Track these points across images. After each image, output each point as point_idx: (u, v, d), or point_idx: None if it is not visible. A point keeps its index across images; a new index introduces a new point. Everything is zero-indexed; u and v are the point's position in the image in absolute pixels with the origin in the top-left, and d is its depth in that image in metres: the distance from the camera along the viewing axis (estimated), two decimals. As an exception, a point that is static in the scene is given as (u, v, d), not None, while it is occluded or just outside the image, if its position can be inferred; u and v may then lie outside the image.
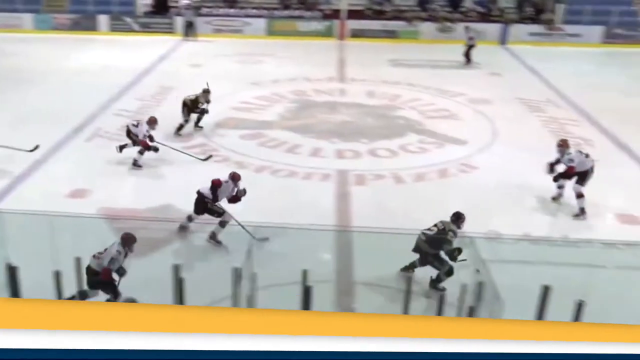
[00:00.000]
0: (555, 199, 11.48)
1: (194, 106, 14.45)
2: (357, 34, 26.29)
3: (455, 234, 8.37)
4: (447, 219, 8.52)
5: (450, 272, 8.28)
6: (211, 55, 23.24)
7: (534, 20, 26.80)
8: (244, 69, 21.38)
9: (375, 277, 8.68)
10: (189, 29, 25.80)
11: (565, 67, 22.21)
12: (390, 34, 26.41)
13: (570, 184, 11.11)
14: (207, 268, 9.05)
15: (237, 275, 7.30)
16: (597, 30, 26.00)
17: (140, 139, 12.48)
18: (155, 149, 12.57)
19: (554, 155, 11.29)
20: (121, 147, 12.77)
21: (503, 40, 25.83)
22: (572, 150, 11.32)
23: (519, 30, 26.09)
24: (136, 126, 12.63)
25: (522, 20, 26.72)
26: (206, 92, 14.63)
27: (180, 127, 14.40)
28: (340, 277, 8.76)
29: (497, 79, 20.67)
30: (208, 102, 14.56)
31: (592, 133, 15.23)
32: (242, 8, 27.62)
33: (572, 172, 11.02)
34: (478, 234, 9.18)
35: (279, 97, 17.69)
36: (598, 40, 25.90)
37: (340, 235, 9.78)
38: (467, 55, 22.39)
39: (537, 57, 23.14)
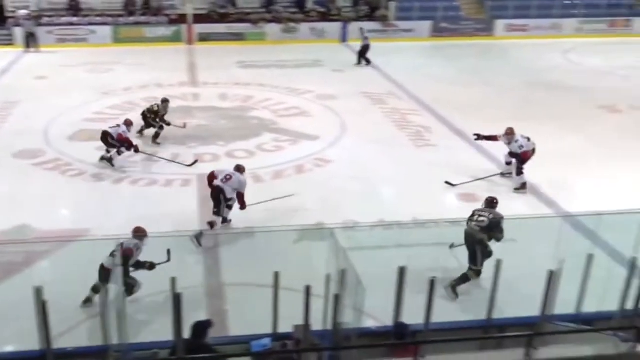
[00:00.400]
0: (504, 174, 12.57)
1: (153, 118, 14.11)
2: (204, 38, 25.99)
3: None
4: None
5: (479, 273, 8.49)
6: (57, 66, 22.07)
7: (369, 17, 27.70)
8: (93, 78, 20.48)
9: (245, 277, 8.68)
10: (30, 40, 24.25)
11: (401, 61, 23.18)
12: (237, 37, 26.34)
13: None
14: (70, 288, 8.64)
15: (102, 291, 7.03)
16: (426, 25, 27.32)
17: (124, 138, 12.66)
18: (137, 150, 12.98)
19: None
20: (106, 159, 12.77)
21: (344, 38, 26.52)
22: (518, 136, 12.03)
23: (357, 27, 26.81)
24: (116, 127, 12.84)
25: (359, 18, 27.52)
26: (165, 102, 14.41)
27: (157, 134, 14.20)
28: (210, 280, 8.70)
29: (341, 75, 21.20)
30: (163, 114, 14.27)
31: (430, 121, 16.07)
32: (85, 16, 26.32)
33: (527, 156, 11.94)
34: (337, 225, 9.42)
35: (132, 105, 17.15)
36: (427, 35, 27.22)
37: (207, 238, 9.68)
38: (363, 55, 22.59)
39: (375, 53, 23.88)
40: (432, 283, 6.99)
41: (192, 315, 6.15)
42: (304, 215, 10.57)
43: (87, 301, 8.07)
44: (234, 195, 10.06)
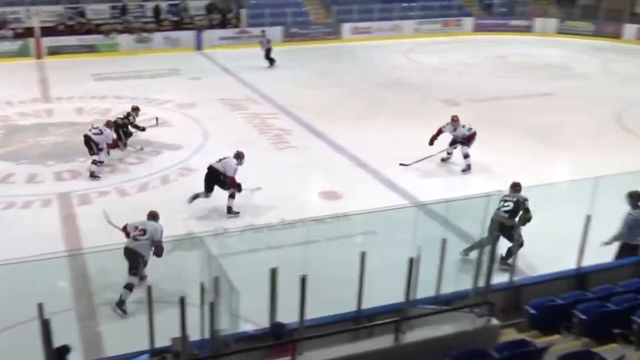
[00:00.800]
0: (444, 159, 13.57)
1: (125, 124, 13.84)
2: (55, 51, 24.53)
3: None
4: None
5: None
6: None
7: (222, 25, 27.50)
8: None
9: (118, 295, 8.34)
10: None
11: (256, 66, 23.13)
12: (90, 49, 25.11)
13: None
14: None
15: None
16: (277, 31, 27.48)
17: (109, 143, 12.77)
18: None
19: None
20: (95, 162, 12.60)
21: (198, 46, 26.13)
22: (463, 123, 13.08)
23: (211, 35, 26.59)
24: (100, 134, 12.61)
25: (212, 26, 27.25)
26: (136, 109, 14.28)
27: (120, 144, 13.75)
28: (81, 302, 8.29)
29: (198, 83, 20.87)
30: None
31: (289, 124, 16.22)
32: None
33: (474, 137, 13.02)
34: (207, 233, 9.30)
35: (-19, 125, 15.98)
36: (279, 40, 27.39)
37: (73, 259, 9.21)
38: (269, 56, 22.76)
39: (230, 59, 23.82)
40: (303, 281, 7.08)
41: (64, 341, 5.82)
42: (173, 225, 10.31)
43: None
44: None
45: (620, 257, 8.59)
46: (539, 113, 17.46)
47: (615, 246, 8.71)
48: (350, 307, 7.13)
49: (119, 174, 12.87)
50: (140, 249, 8.46)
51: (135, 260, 8.39)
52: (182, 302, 7.53)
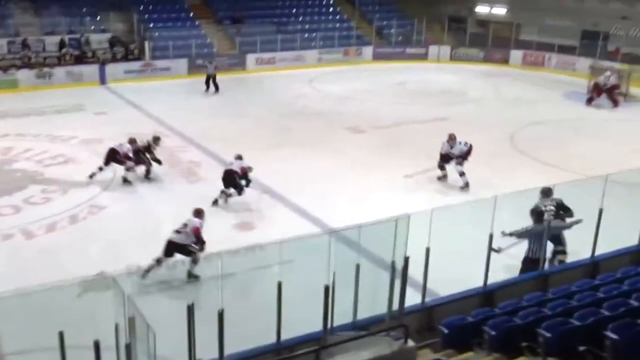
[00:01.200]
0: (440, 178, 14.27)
1: (144, 154, 14.14)
2: (-51, 90, 23.22)
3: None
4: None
5: None
6: None
7: (126, 58, 26.92)
8: None
9: (27, 343, 7.87)
10: None
11: (162, 99, 22.76)
12: (-13, 86, 23.92)
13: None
14: None
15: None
16: (183, 63, 27.23)
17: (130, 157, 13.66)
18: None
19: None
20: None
21: (102, 80, 25.38)
22: (459, 140, 13.89)
23: (114, 69, 25.93)
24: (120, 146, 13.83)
25: (116, 59, 26.61)
26: (157, 139, 14.56)
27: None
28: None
29: (104, 117, 20.22)
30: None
31: (199, 156, 16.00)
32: None
33: (471, 151, 13.81)
34: (119, 271, 8.95)
35: None
36: (185, 72, 27.14)
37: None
38: (214, 84, 23.78)
39: (136, 92, 23.29)
40: (221, 315, 6.95)
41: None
42: (85, 266, 9.89)
43: (148, 271, 9.39)
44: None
45: (523, 272, 8.96)
46: (438, 137, 18.02)
47: (519, 263, 9.09)
48: (270, 338, 7.05)
49: (24, 214, 12.24)
50: (181, 240, 9.82)
51: (183, 250, 9.77)
52: (97, 346, 7.22)
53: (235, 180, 12.71)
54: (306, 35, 30.70)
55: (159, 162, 14.41)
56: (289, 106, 21.86)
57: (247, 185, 12.98)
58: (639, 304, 6.80)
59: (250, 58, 28.71)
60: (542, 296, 7.51)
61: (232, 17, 30.46)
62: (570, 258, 9.44)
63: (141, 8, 29.17)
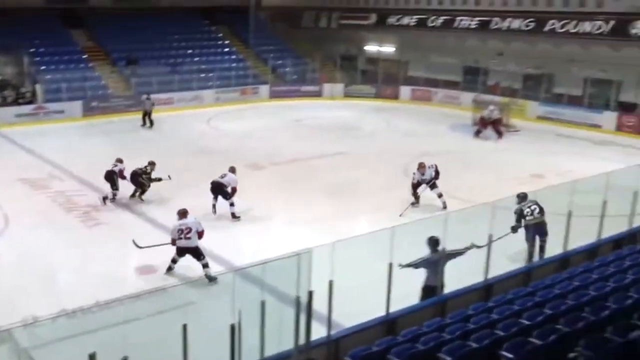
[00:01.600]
0: (414, 204, 15.04)
1: (144, 178, 15.18)
2: None
3: None
4: None
5: None
6: None
7: (17, 102, 25.71)
8: None
9: None
10: None
11: (57, 142, 21.91)
12: None
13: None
14: None
15: None
16: (77, 105, 26.36)
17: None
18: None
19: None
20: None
21: (-9, 124, 24.10)
22: (428, 166, 14.86)
23: (5, 112, 24.69)
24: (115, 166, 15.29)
25: (6, 103, 25.37)
26: (153, 164, 15.42)
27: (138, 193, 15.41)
28: None
29: (-7, 163, 19.18)
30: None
31: (97, 199, 15.39)
32: None
33: (438, 172, 14.92)
34: (14, 324, 8.42)
35: None
36: (79, 114, 26.27)
37: None
38: (149, 120, 24.72)
39: (29, 137, 22.28)
40: (125, 361, 6.67)
41: None
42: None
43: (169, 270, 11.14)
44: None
45: (423, 299, 9.19)
46: (335, 171, 18.38)
47: (419, 290, 9.32)
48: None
49: None
50: (193, 243, 11.11)
51: (196, 253, 11.13)
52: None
53: (224, 191, 14.31)
54: (203, 75, 30.58)
55: (158, 179, 15.46)
56: (189, 145, 21.57)
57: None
58: (530, 322, 7.11)
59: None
60: (441, 321, 7.72)
61: (126, 58, 29.89)
62: (468, 280, 9.70)
63: (32, 50, 28.09)
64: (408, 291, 9.29)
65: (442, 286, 9.25)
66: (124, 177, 15.22)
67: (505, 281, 9.44)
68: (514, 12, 27.67)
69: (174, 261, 11.36)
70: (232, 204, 14.30)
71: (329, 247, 9.38)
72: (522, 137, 23.55)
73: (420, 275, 9.43)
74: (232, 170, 14.76)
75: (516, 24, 27.06)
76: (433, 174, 14.95)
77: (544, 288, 8.64)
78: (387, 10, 32.95)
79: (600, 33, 24.35)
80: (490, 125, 23.34)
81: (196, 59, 31.88)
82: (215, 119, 26.65)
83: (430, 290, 9.17)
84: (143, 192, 15.44)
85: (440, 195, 14.90)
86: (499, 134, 23.27)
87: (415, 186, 15.13)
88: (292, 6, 37.01)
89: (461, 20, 29.11)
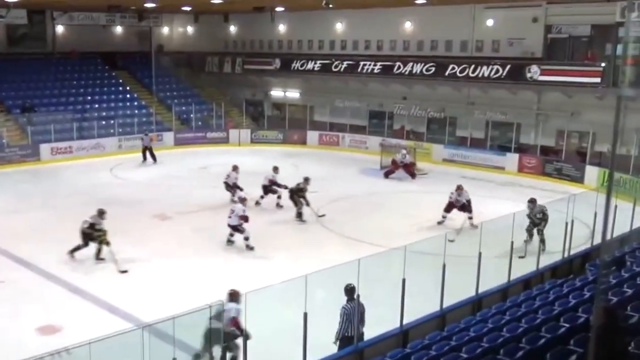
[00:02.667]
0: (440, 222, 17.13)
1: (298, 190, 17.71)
2: None
3: None
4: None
5: None
6: None
7: None
8: None
9: None
10: None
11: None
12: None
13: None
14: None
15: None
16: (-34, 156, 25.03)
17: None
18: None
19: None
20: None
21: None
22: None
23: None
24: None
25: None
26: (307, 180, 18.07)
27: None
28: None
29: None
30: None
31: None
32: None
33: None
34: None
35: None
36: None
37: None
38: (152, 155, 26.45)
39: None
40: None
41: None
42: None
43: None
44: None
45: (341, 349, 9.18)
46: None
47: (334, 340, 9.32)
48: None
49: None
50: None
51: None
52: None
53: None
54: (104, 122, 29.86)
55: (307, 203, 18.01)
56: (91, 196, 20.74)
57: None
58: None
59: (45, 148, 27.13)
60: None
61: (21, 106, 28.78)
62: (384, 327, 9.72)
63: None
64: (325, 343, 9.25)
65: (361, 336, 9.28)
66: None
67: (421, 326, 9.58)
68: (415, 57, 28.85)
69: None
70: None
71: (242, 296, 9.26)
72: (430, 179, 24.35)
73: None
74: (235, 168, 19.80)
75: (417, 68, 28.17)
76: (468, 197, 16.56)
77: (459, 331, 8.85)
78: (291, 55, 33.58)
79: (498, 77, 25.76)
80: (403, 169, 24.11)
81: (96, 105, 31.20)
82: (118, 168, 25.96)
83: (347, 340, 9.18)
84: (299, 212, 17.91)
85: (470, 218, 16.49)
86: (412, 176, 24.07)
87: (450, 206, 16.74)
88: (194, 51, 37.02)
89: (364, 65, 30.02)
